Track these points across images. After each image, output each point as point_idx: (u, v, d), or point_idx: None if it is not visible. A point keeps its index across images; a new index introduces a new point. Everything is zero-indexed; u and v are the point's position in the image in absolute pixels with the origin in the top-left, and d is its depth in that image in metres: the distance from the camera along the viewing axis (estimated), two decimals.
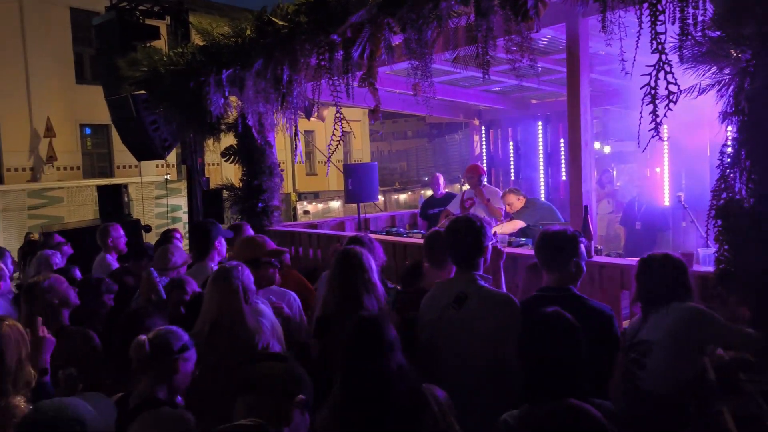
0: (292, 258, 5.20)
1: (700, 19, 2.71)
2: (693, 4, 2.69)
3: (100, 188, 8.83)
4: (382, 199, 19.42)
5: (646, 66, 2.75)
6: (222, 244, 4.21)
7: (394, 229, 7.07)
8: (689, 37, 2.75)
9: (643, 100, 2.77)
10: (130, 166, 15.77)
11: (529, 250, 4.27)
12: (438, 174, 8.04)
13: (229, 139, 6.78)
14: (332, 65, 4.21)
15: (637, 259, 2.85)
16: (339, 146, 4.23)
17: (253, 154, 6.64)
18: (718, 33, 2.78)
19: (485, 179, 6.85)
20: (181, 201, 13.89)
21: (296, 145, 5.27)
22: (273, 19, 4.56)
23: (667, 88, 2.73)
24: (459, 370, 2.64)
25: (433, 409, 2.06)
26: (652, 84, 2.74)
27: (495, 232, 3.98)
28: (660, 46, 2.73)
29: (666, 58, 2.73)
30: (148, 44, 6.97)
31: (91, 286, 3.81)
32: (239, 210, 6.81)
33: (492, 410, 2.22)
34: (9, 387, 2.27)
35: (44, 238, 6.55)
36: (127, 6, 7.23)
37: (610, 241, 7.92)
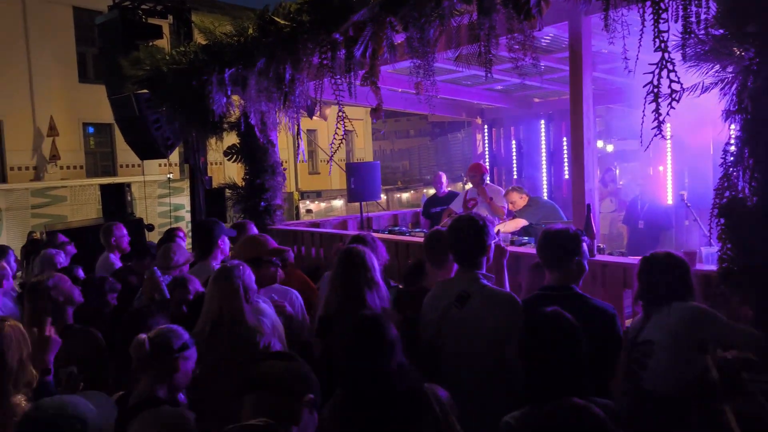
0: (294, 257, 5.20)
1: (703, 17, 2.71)
2: (696, 2, 2.68)
3: (103, 187, 8.86)
4: (385, 197, 19.43)
5: (649, 64, 2.75)
6: (225, 243, 4.21)
7: (396, 228, 7.06)
8: (692, 35, 2.74)
9: (645, 98, 2.77)
10: (133, 165, 15.80)
11: (531, 249, 4.26)
12: (441, 173, 8.03)
13: (231, 138, 6.79)
14: (334, 64, 4.20)
15: (640, 257, 2.84)
16: (341, 145, 4.23)
17: (255, 153, 6.64)
18: (721, 31, 2.77)
19: (488, 178, 6.84)
20: (184, 200, 13.91)
21: (299, 144, 5.27)
22: (275, 18, 4.56)
23: (669, 87, 2.72)
24: (461, 370, 2.63)
25: (435, 409, 2.05)
26: (655, 82, 2.74)
27: (498, 231, 3.97)
28: (663, 44, 2.72)
29: (669, 57, 2.73)
30: (150, 43, 6.99)
31: (95, 285, 3.82)
32: (242, 209, 6.82)
33: (494, 410, 2.22)
34: (10, 387, 2.27)
35: (48, 238, 6.57)
36: (130, 5, 7.25)
37: (613, 239, 7.91)
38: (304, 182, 21.86)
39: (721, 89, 2.84)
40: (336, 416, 2.10)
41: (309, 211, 16.77)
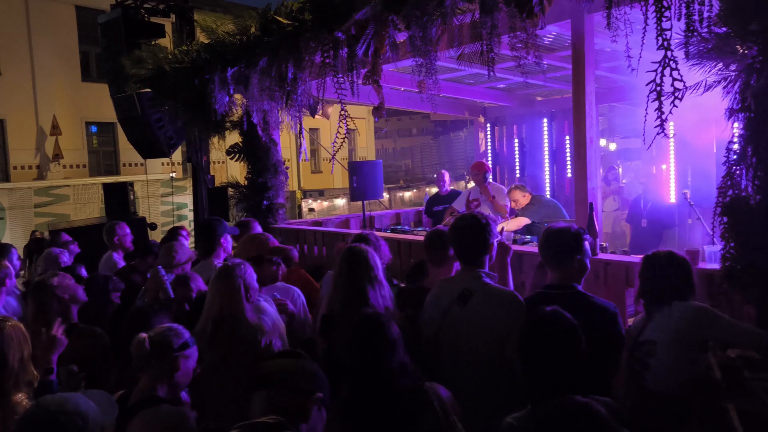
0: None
1: (705, 15, 2.70)
2: (699, 0, 2.68)
3: (106, 186, 8.88)
4: (387, 196, 19.44)
5: (652, 62, 2.74)
6: (228, 242, 4.22)
7: (399, 227, 7.06)
8: (695, 33, 2.73)
9: (648, 96, 2.76)
10: (136, 164, 15.84)
11: (534, 248, 4.26)
12: (443, 171, 8.04)
13: (233, 137, 6.79)
14: (337, 63, 4.20)
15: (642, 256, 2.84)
16: (344, 144, 4.24)
17: (257, 151, 6.65)
18: (724, 29, 2.76)
19: (490, 176, 6.84)
20: (187, 199, 13.94)
21: (301, 142, 5.27)
22: (277, 16, 4.56)
23: (672, 85, 2.72)
24: (463, 368, 2.62)
25: (435, 407, 2.05)
26: (658, 80, 2.73)
27: (503, 228, 3.96)
28: (665, 43, 2.72)
29: (672, 55, 2.72)
30: (153, 42, 7.00)
31: (98, 285, 3.83)
32: (244, 208, 6.82)
33: (495, 408, 2.22)
34: (11, 387, 2.28)
35: (51, 236, 6.58)
36: (133, 4, 7.26)
37: (616, 238, 7.91)
38: (306, 181, 21.87)
39: (724, 87, 2.83)
40: (338, 414, 2.10)
41: (311, 209, 16.78)
